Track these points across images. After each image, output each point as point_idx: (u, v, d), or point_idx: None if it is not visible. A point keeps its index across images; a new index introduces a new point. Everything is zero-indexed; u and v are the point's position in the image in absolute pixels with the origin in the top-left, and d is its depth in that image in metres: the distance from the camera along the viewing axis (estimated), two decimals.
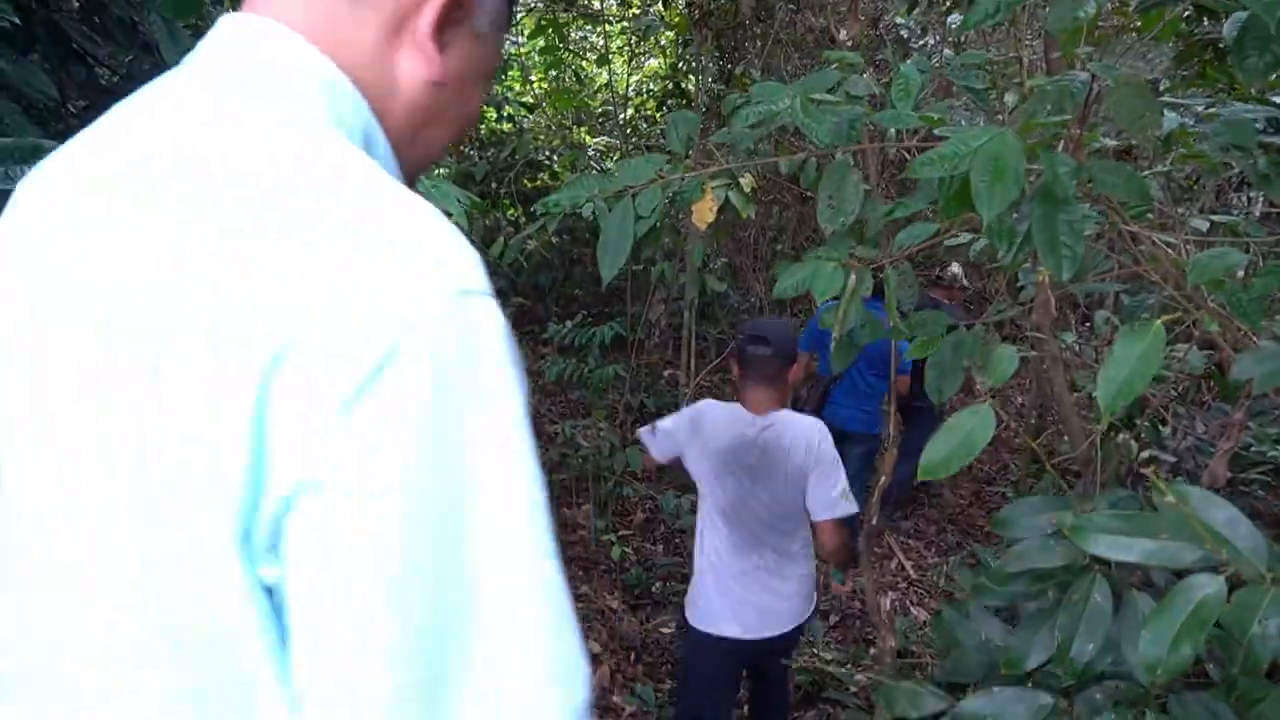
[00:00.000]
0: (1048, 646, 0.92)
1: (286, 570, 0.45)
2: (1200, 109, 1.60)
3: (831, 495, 2.17)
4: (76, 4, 2.73)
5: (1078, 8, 0.96)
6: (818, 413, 3.56)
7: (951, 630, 1.09)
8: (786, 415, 2.22)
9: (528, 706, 0.47)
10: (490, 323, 0.48)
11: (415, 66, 0.58)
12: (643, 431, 2.46)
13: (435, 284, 0.47)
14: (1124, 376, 0.77)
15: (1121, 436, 2.81)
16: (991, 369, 0.99)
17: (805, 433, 2.18)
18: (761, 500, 2.19)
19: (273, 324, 0.44)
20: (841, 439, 2.57)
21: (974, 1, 0.96)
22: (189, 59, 0.59)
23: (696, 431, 2.26)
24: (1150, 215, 2.05)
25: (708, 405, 2.33)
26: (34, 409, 0.51)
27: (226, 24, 0.58)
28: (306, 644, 0.45)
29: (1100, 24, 1.35)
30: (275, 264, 0.46)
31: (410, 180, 0.61)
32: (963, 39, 4.60)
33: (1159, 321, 0.79)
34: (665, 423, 2.38)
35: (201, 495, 0.45)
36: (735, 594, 2.23)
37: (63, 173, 0.57)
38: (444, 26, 0.58)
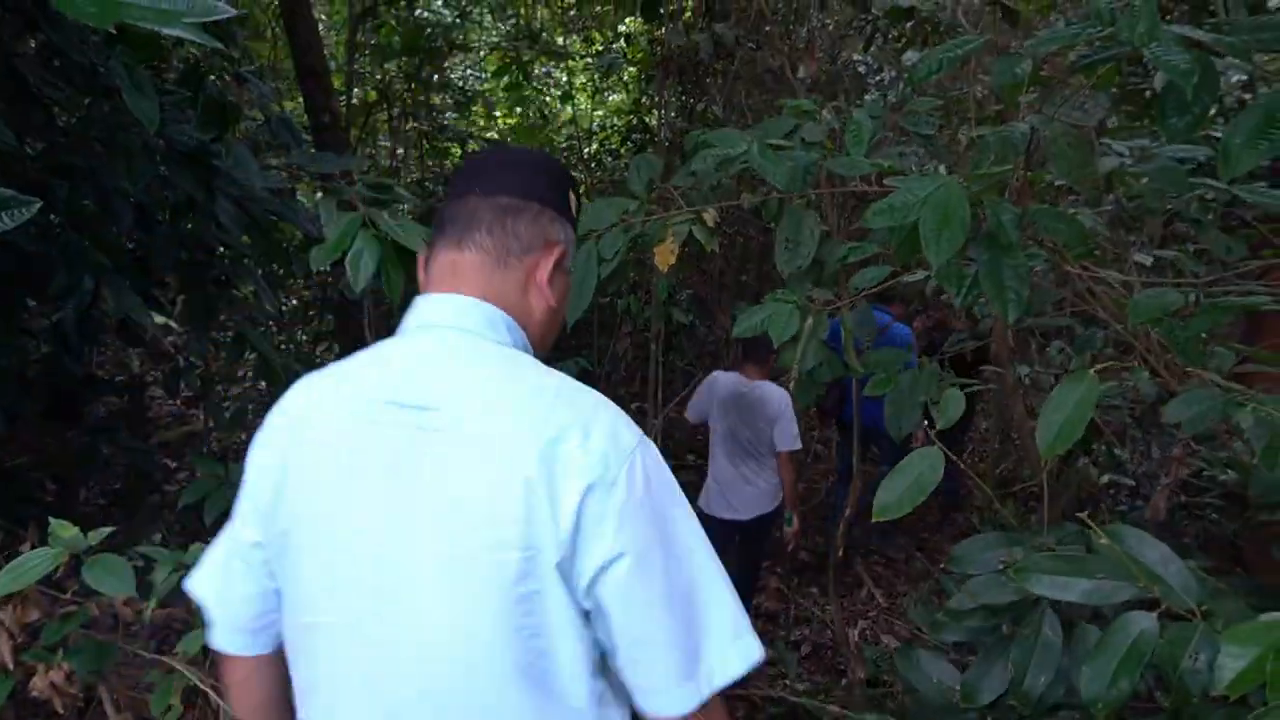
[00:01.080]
0: (1003, 680, 0.94)
1: (604, 599, 0.82)
2: (1141, 147, 1.67)
3: (788, 436, 3.47)
4: (33, 46, 2.71)
5: (1016, 65, 1.01)
6: (838, 409, 4.58)
7: (903, 674, 1.11)
8: (767, 384, 3.52)
9: (729, 653, 0.87)
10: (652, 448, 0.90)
11: (539, 301, 1.00)
12: (688, 410, 3.77)
13: (631, 426, 0.88)
14: (1061, 421, 0.80)
15: (1082, 462, 2.88)
16: (941, 410, 1.02)
17: (776, 397, 3.47)
18: (746, 434, 3.53)
19: (541, 434, 0.83)
20: (876, 436, 4.12)
21: (920, 59, 1.00)
22: (411, 323, 0.98)
23: (711, 389, 3.62)
24: (1097, 253, 2.12)
25: (718, 372, 3.66)
26: (400, 493, 0.86)
27: (423, 302, 0.98)
28: (630, 635, 0.84)
29: (1043, 71, 1.41)
30: (540, 404, 0.86)
31: None
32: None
33: (1092, 371, 0.83)
34: (692, 398, 3.70)
35: (508, 589, 0.82)
36: (727, 490, 3.58)
37: (361, 369, 0.96)
38: (551, 275, 1.00)
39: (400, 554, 0.84)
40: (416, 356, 0.92)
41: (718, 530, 3.57)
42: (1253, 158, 0.84)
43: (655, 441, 1.09)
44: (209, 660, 1.96)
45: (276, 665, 1.02)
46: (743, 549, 3.72)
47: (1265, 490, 0.95)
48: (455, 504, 0.82)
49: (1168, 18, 3.16)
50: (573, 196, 1.07)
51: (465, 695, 0.84)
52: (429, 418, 0.85)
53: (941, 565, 4.74)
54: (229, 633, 1.01)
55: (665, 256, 1.64)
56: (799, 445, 3.54)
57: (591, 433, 0.83)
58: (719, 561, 0.90)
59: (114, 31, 1.50)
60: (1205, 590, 0.81)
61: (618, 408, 0.90)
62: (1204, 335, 1.13)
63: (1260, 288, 1.29)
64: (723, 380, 3.59)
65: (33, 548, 1.63)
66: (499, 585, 0.80)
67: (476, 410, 0.85)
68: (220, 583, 1.00)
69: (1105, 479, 3.16)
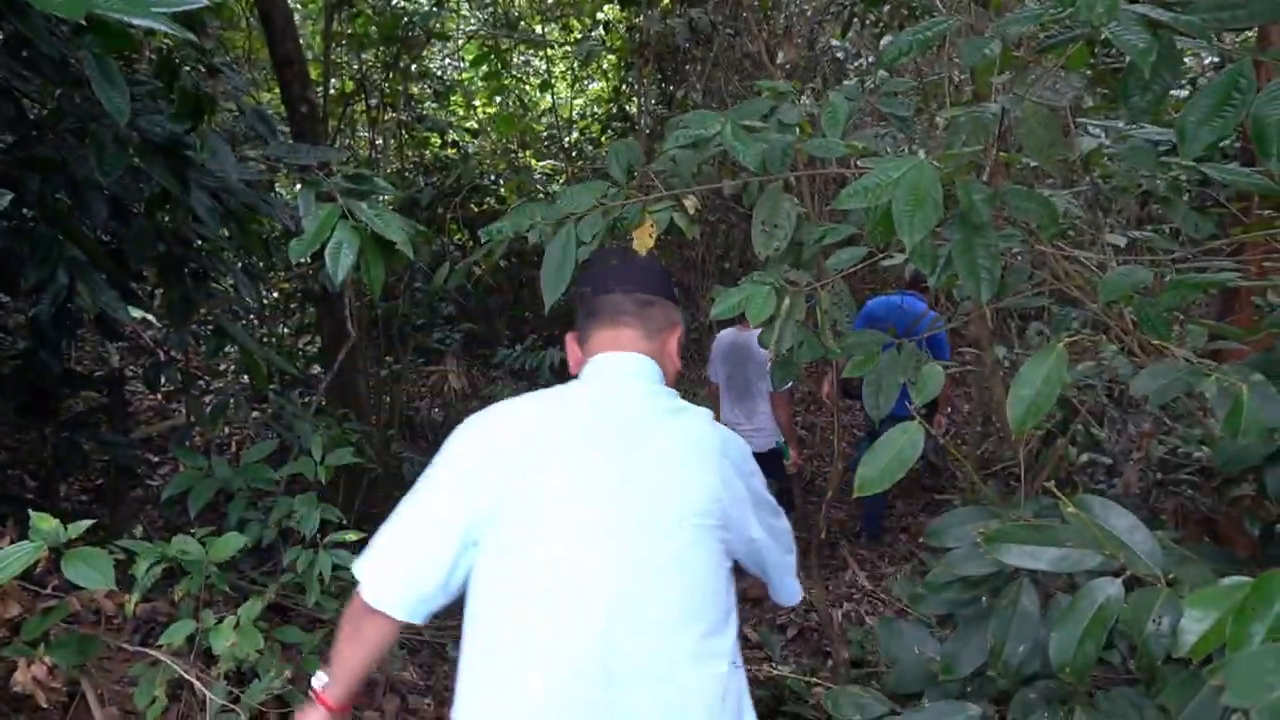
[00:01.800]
0: (982, 651, 0.96)
1: (735, 536, 1.33)
2: (1118, 129, 1.68)
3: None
4: (1, 39, 2.67)
5: (984, 46, 1.02)
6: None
7: (885, 646, 1.13)
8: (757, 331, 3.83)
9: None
10: None
11: (670, 365, 1.47)
12: (708, 372, 4.30)
13: None
14: (1031, 396, 0.82)
15: (1060, 442, 2.91)
16: (919, 387, 1.04)
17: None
18: (739, 378, 4.05)
19: (710, 448, 1.33)
20: (891, 420, 4.30)
21: (891, 41, 1.01)
22: (589, 377, 1.44)
23: (717, 345, 4.17)
24: (1071, 233, 2.14)
25: (722, 330, 4.21)
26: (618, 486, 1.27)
27: (602, 358, 1.43)
28: (760, 559, 1.41)
29: (1015, 52, 1.42)
30: (708, 444, 1.34)
31: None
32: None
33: (1061, 345, 0.84)
34: (708, 363, 4.29)
35: (709, 532, 1.28)
36: (732, 428, 3.75)
37: (571, 397, 1.40)
38: (677, 347, 1.48)
39: (633, 511, 1.26)
40: (617, 387, 1.39)
41: None
42: (1208, 136, 0.86)
43: None
44: (193, 652, 1.96)
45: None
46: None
47: (1229, 460, 0.97)
48: (666, 485, 1.27)
49: None
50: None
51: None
52: (635, 429, 1.31)
53: (919, 539, 4.80)
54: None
55: (644, 240, 1.64)
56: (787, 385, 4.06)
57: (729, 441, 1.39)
58: None
59: (83, 22, 1.48)
60: (1173, 558, 0.83)
61: None
62: (1176, 312, 1.15)
63: (1228, 264, 1.31)
64: (724, 335, 4.19)
65: (12, 544, 1.62)
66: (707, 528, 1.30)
67: (675, 427, 1.33)
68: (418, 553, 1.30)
69: (1084, 458, 3.20)
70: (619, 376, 1.39)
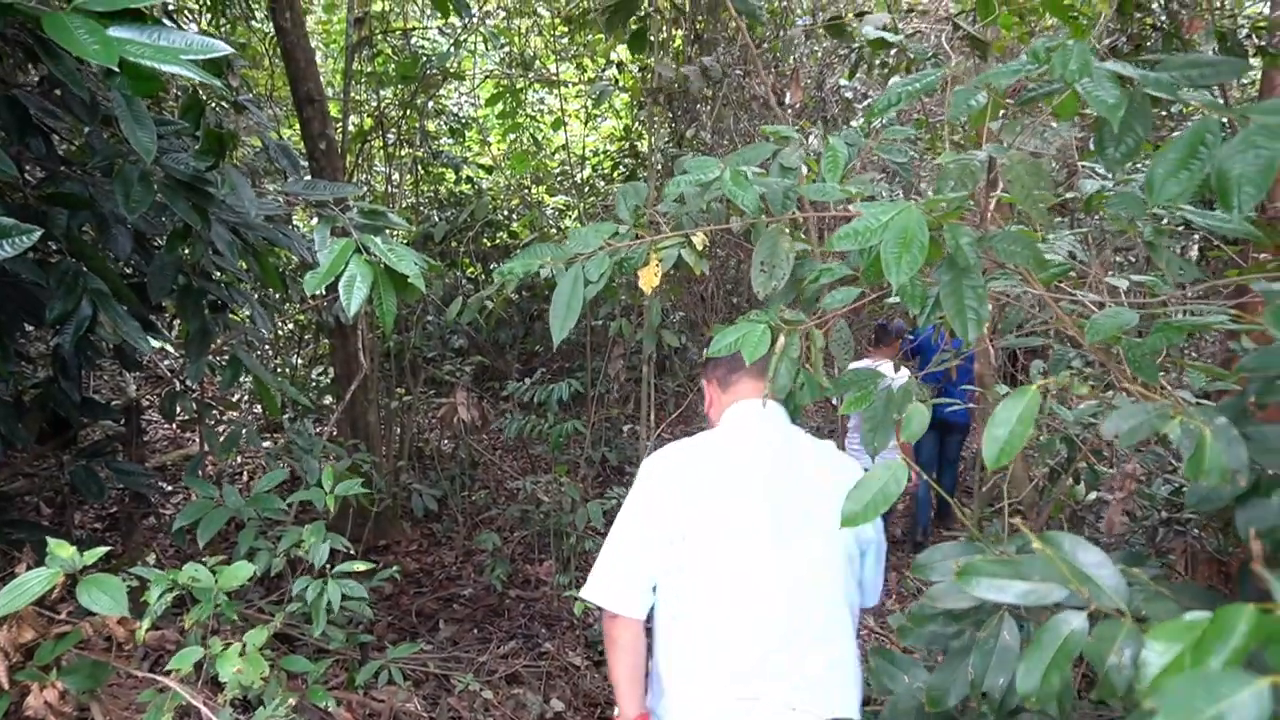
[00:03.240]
0: (967, 683, 0.98)
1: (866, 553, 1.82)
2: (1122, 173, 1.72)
3: None
4: (36, 79, 2.78)
5: (971, 97, 1.07)
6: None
7: (879, 678, 1.15)
8: (885, 364, 3.96)
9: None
10: None
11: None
12: None
13: None
14: (1005, 435, 0.85)
15: (1067, 482, 2.91)
16: (905, 425, 1.07)
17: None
18: None
19: (843, 488, 1.24)
20: (954, 430, 5.45)
21: (881, 95, 1.05)
22: (734, 421, 1.82)
23: None
24: (1073, 274, 2.17)
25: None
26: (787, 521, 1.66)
27: (741, 406, 1.80)
28: (870, 565, 1.85)
29: (1005, 101, 1.47)
30: (840, 471, 1.75)
31: None
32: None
33: (1035, 387, 0.88)
34: None
35: (845, 543, 1.71)
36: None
37: (751, 438, 1.76)
38: None
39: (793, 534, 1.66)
40: (771, 428, 1.74)
41: None
42: (1174, 188, 0.90)
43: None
44: (200, 679, 1.99)
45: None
46: None
47: (1200, 501, 1.00)
48: (819, 510, 1.66)
49: (1136, 51, 3.24)
50: None
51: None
52: (794, 463, 1.70)
53: (906, 574, 4.82)
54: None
55: (649, 279, 1.69)
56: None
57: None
58: None
59: (114, 67, 1.55)
60: (1148, 593, 0.85)
61: None
62: (1189, 352, 1.18)
63: (1216, 308, 1.34)
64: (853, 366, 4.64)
65: (29, 570, 1.66)
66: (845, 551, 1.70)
67: (812, 458, 1.73)
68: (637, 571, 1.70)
69: (1091, 496, 3.20)
70: (768, 419, 1.74)
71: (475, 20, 5.22)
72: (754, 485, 1.66)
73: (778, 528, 1.63)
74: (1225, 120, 0.95)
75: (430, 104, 5.97)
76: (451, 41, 5.54)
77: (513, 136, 6.58)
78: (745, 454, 1.71)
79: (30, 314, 2.62)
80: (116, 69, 1.48)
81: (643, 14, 3.47)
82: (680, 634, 1.66)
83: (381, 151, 5.88)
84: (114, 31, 1.40)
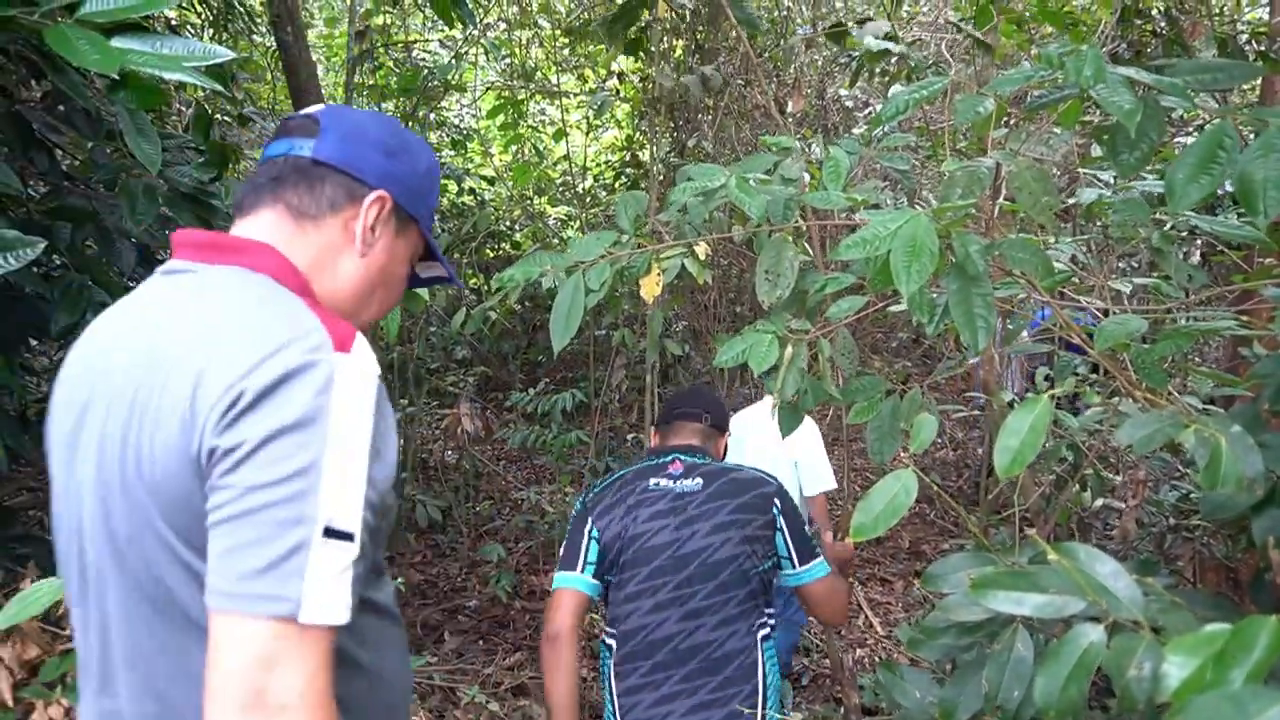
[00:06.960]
0: (980, 696, 0.97)
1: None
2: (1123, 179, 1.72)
3: None
4: (39, 94, 2.78)
5: (977, 105, 1.06)
6: None
7: (889, 692, 1.14)
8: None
9: None
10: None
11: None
12: None
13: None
14: (1016, 445, 0.84)
15: (1075, 489, 2.90)
16: (914, 435, 1.06)
17: None
18: None
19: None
20: None
21: (887, 102, 1.05)
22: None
23: None
24: (1076, 280, 2.16)
25: None
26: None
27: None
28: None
29: (1011, 109, 1.47)
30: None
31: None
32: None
33: (1046, 396, 0.87)
34: None
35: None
36: None
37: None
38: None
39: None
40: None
41: None
42: (1196, 193, 0.89)
43: None
44: None
45: None
46: None
47: (1214, 509, 0.99)
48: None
49: (1140, 55, 3.23)
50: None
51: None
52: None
53: (916, 586, 4.78)
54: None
55: (651, 288, 1.68)
56: None
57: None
58: None
59: (117, 78, 1.56)
60: (1163, 604, 0.84)
61: None
62: (1195, 358, 1.17)
63: (1224, 314, 1.33)
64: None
65: (33, 584, 1.65)
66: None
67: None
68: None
69: (1099, 504, 3.18)
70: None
71: (476, 33, 5.23)
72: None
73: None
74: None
75: (432, 116, 5.98)
76: (453, 54, 5.56)
77: (515, 148, 6.59)
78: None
79: (35, 327, 2.61)
80: (118, 78, 1.48)
81: (643, 24, 3.47)
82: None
83: None
84: (116, 42, 1.40)
